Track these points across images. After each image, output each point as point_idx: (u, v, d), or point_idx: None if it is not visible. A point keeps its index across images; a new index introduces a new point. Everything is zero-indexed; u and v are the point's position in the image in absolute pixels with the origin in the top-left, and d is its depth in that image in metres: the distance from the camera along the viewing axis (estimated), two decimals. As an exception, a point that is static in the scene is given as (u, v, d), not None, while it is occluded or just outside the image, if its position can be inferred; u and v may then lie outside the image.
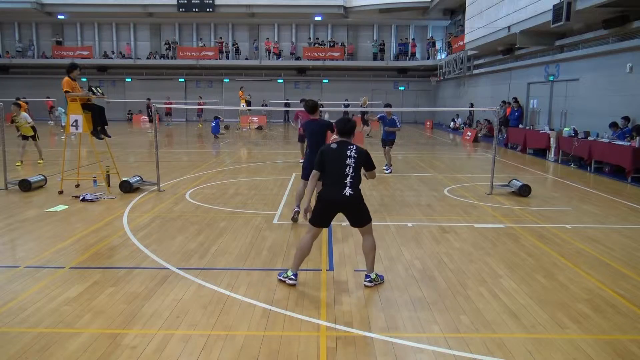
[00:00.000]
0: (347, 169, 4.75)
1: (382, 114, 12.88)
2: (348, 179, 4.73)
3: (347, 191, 4.71)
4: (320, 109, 7.95)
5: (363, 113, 25.19)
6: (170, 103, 28.85)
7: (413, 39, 35.40)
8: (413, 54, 34.83)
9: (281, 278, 4.97)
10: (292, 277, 4.90)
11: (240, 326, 4.07)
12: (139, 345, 3.72)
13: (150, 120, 27.52)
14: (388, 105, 13.02)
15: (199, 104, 30.37)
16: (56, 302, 4.46)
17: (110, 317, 4.19)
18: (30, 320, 4.11)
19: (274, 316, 4.26)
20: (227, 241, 6.38)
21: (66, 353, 3.60)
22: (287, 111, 35.26)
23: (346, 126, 4.98)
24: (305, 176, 7.13)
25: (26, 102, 25.79)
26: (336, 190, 4.73)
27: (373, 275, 4.94)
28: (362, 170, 4.93)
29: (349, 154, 4.79)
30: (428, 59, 34.10)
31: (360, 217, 4.88)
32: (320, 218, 4.85)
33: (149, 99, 27.13)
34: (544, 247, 6.29)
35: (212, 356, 3.60)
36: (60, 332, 3.92)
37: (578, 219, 7.82)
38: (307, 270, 5.37)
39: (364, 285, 4.90)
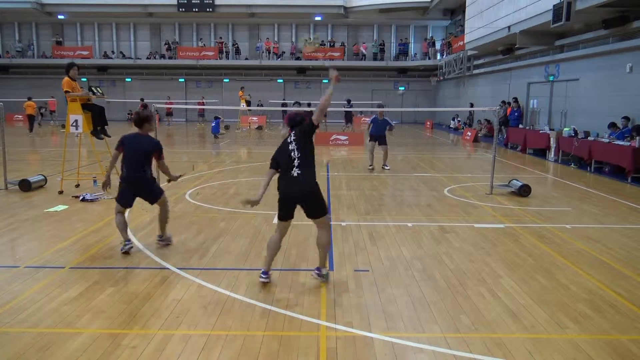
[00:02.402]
0: (293, 153, 4.77)
1: (374, 116, 12.82)
2: (296, 162, 4.76)
3: (300, 177, 4.78)
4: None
5: (347, 112, 25.19)
6: (171, 103, 28.85)
7: (426, 39, 35.09)
8: (425, 54, 34.67)
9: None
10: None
11: (240, 326, 4.07)
12: (139, 345, 3.72)
13: None
14: (380, 106, 12.87)
15: (200, 103, 30.38)
16: (56, 302, 4.46)
17: (110, 317, 4.19)
18: (30, 320, 4.11)
19: (274, 316, 4.26)
20: (227, 241, 6.38)
21: (66, 353, 3.60)
22: (285, 111, 35.23)
23: (291, 121, 4.95)
24: (122, 203, 5.90)
25: (35, 102, 26.02)
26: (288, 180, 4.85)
27: (324, 271, 5.03)
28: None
29: (290, 140, 4.83)
30: (428, 59, 34.10)
31: (313, 206, 4.90)
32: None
33: (142, 99, 27.12)
34: (544, 247, 6.29)
35: (212, 356, 3.60)
36: (60, 332, 3.92)
37: (578, 219, 7.82)
38: (307, 270, 5.37)
39: (314, 276, 5.05)
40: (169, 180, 6.26)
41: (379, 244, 6.33)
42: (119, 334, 3.90)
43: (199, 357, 3.59)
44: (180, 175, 6.30)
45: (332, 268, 5.43)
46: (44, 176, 9.99)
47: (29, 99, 25.70)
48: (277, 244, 4.97)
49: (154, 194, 5.97)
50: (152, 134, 6.07)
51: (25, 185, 9.36)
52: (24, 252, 5.90)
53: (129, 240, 5.88)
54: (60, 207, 8.10)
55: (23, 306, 4.37)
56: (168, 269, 5.35)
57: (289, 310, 4.37)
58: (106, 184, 5.93)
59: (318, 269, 5.05)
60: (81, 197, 8.64)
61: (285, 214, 4.94)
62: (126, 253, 5.77)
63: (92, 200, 8.56)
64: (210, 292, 4.74)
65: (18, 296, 4.59)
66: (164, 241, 6.14)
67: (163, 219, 6.07)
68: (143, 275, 5.15)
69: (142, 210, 7.97)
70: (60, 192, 9.14)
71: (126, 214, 6.09)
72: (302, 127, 4.82)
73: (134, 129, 5.90)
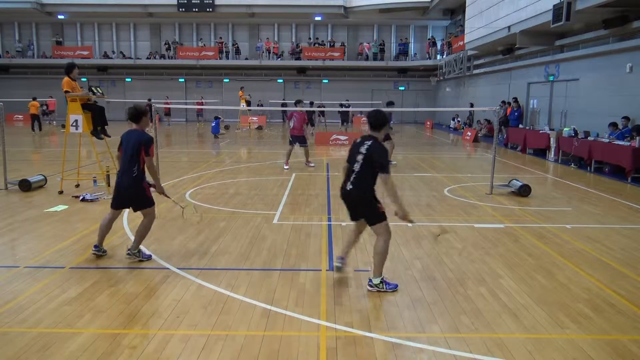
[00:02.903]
0: (355, 165, 4.74)
1: None
2: (353, 175, 4.76)
3: (349, 185, 4.79)
4: (322, 108, 7.74)
5: (343, 112, 25.20)
6: (169, 103, 28.87)
7: (428, 39, 35.02)
8: (428, 54, 34.54)
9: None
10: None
11: (240, 326, 4.07)
12: (139, 345, 3.72)
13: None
14: (390, 103, 13.65)
15: (199, 103, 30.39)
16: (56, 302, 4.46)
17: (110, 317, 4.19)
18: (30, 320, 4.11)
19: (274, 316, 4.26)
20: (227, 241, 6.38)
21: (66, 353, 3.60)
22: (285, 111, 35.36)
23: (373, 118, 4.84)
24: (114, 205, 5.59)
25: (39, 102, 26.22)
26: (343, 184, 4.89)
27: (376, 281, 4.79)
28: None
29: (360, 150, 4.72)
30: (429, 58, 34.08)
31: (362, 213, 4.88)
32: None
33: (149, 99, 27.17)
34: (544, 247, 6.29)
35: (212, 356, 3.60)
36: (60, 332, 3.92)
37: (578, 219, 7.82)
38: (307, 270, 5.37)
39: (368, 289, 4.80)
40: (152, 185, 5.62)
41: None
42: (119, 334, 3.90)
43: (199, 357, 3.59)
44: (167, 196, 5.91)
45: (332, 268, 5.43)
46: (44, 176, 9.99)
47: (34, 99, 25.99)
48: (356, 236, 5.15)
49: (139, 201, 5.47)
50: (150, 133, 6.02)
51: (25, 185, 9.36)
52: (24, 252, 5.90)
53: (97, 247, 5.62)
54: (60, 207, 8.10)
55: (23, 306, 4.37)
56: (168, 269, 5.35)
57: (289, 310, 4.37)
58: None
59: (370, 280, 4.82)
60: (81, 197, 8.64)
61: (351, 216, 5.05)
62: (95, 254, 5.57)
63: (92, 200, 8.56)
64: (210, 292, 4.74)
65: (18, 296, 4.58)
66: (132, 256, 5.53)
67: (141, 230, 5.53)
68: (143, 275, 5.15)
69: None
70: (60, 192, 9.13)
71: (123, 218, 6.04)
72: (374, 153, 4.64)
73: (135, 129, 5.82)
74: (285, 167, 12.67)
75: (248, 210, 8.10)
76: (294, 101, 13.95)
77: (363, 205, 4.80)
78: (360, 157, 4.69)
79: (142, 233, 5.57)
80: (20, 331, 3.93)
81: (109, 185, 9.26)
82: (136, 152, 5.33)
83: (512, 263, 5.68)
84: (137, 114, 5.46)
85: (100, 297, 4.59)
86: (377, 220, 4.77)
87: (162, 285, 4.90)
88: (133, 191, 5.41)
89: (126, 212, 7.77)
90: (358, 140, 4.87)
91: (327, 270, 5.40)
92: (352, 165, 4.77)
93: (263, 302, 4.53)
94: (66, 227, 7.00)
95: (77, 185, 9.71)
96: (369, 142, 4.72)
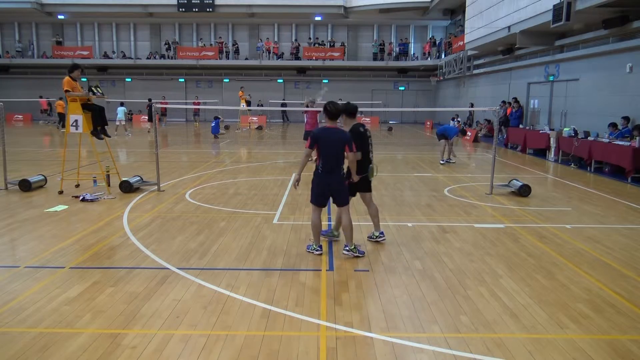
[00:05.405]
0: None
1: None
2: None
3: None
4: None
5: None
6: (166, 103, 28.95)
7: (429, 39, 34.94)
8: (428, 53, 34.46)
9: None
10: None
11: (240, 326, 4.07)
12: (139, 345, 3.72)
13: (149, 120, 27.80)
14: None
15: (195, 103, 30.45)
16: (56, 302, 4.46)
17: (110, 317, 4.19)
18: (30, 320, 4.11)
19: (274, 316, 4.26)
20: (227, 241, 6.38)
21: (66, 353, 3.60)
22: (285, 111, 35.42)
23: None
24: (318, 203, 5.76)
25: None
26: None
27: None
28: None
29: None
30: (429, 59, 34.07)
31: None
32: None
33: (150, 99, 27.23)
34: (544, 247, 6.29)
35: (212, 356, 3.60)
36: (60, 332, 3.92)
37: (578, 219, 7.82)
38: (307, 270, 5.37)
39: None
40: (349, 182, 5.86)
41: (379, 244, 6.32)
42: (119, 334, 3.90)
43: (199, 357, 3.59)
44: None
45: (332, 268, 5.43)
46: (44, 176, 9.99)
47: (60, 98, 26.46)
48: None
49: (345, 197, 5.75)
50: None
51: (25, 185, 9.36)
52: (24, 252, 5.90)
53: (320, 246, 5.87)
54: (60, 207, 8.10)
55: (23, 306, 4.36)
56: (168, 269, 5.35)
57: (289, 310, 4.37)
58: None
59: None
60: (81, 197, 8.64)
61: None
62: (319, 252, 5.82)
63: (92, 200, 8.56)
64: (210, 292, 4.74)
65: (18, 296, 4.58)
66: (350, 252, 5.73)
67: (345, 227, 5.75)
68: (143, 275, 5.15)
69: (141, 211, 7.99)
70: (60, 192, 9.13)
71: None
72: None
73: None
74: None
75: (248, 210, 8.10)
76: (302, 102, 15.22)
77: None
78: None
79: (348, 229, 5.75)
80: (20, 331, 3.93)
81: (109, 185, 9.26)
82: (341, 151, 5.58)
83: (512, 263, 5.68)
84: (337, 112, 5.67)
85: (100, 297, 4.59)
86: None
87: (162, 285, 4.90)
88: (343, 188, 5.75)
89: (126, 213, 7.78)
90: (361, 129, 5.95)
91: (327, 270, 5.39)
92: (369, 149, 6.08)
93: (263, 302, 4.53)
94: (66, 227, 7.00)
95: (77, 185, 9.71)
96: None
